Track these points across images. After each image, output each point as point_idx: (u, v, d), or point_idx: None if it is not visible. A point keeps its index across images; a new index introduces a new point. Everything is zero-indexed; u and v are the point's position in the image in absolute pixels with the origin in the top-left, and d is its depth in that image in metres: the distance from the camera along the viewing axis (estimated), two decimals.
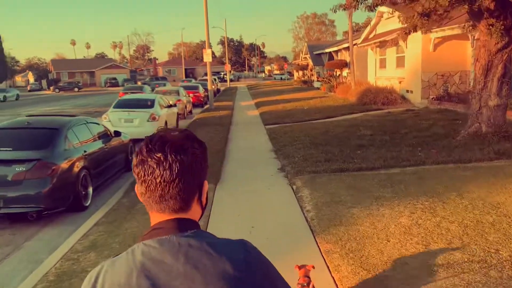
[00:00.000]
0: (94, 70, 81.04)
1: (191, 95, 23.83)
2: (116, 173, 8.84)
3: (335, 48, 32.84)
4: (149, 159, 1.09)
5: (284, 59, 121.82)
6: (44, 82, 75.62)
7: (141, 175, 1.11)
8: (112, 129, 12.62)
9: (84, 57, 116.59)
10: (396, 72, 21.26)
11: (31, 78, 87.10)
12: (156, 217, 1.13)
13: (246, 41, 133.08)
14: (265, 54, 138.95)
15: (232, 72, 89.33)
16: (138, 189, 1.14)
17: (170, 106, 15.34)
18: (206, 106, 25.62)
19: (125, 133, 10.15)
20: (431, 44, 17.85)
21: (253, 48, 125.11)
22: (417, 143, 9.40)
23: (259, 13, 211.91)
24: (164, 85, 35.60)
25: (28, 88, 69.33)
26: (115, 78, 74.21)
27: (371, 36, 24.78)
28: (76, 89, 64.21)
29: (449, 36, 17.11)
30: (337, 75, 32.12)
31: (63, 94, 56.33)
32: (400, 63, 20.89)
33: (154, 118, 12.96)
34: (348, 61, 30.50)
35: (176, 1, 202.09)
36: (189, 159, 1.10)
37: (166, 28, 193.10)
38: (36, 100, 41.42)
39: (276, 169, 8.55)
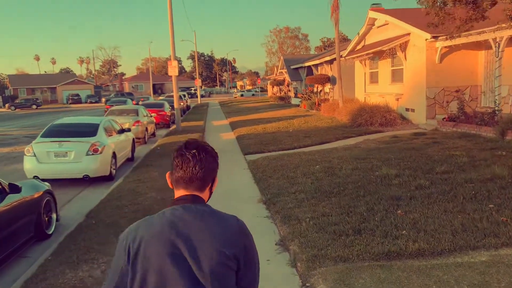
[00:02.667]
0: (55, 86, 76.09)
1: (154, 114, 20.41)
2: (16, 250, 5.46)
3: (316, 62, 30.04)
4: (187, 153, 1.68)
5: (256, 74, 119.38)
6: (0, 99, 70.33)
7: (179, 163, 1.68)
8: (34, 170, 9.31)
9: (45, 72, 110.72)
10: (391, 87, 18.47)
11: None
12: (180, 192, 1.71)
13: (217, 56, 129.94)
14: (236, 70, 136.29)
15: (203, 87, 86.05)
16: (173, 174, 1.72)
17: (123, 131, 11.97)
18: (172, 126, 22.26)
19: (39, 181, 6.75)
20: (437, 55, 15.13)
21: (224, 63, 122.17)
22: (478, 194, 6.34)
23: (230, 28, 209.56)
24: (148, 99, 33.03)
25: None
26: (77, 95, 69.71)
27: (359, 47, 22.06)
28: (34, 106, 59.62)
29: (459, 45, 14.46)
30: (319, 91, 29.29)
31: (19, 112, 51.82)
32: (397, 77, 18.11)
33: (96, 150, 9.54)
34: (330, 75, 27.73)
35: (145, 14, 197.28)
36: (210, 159, 1.73)
37: (134, 42, 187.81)
38: None
39: (274, 243, 5.33)
